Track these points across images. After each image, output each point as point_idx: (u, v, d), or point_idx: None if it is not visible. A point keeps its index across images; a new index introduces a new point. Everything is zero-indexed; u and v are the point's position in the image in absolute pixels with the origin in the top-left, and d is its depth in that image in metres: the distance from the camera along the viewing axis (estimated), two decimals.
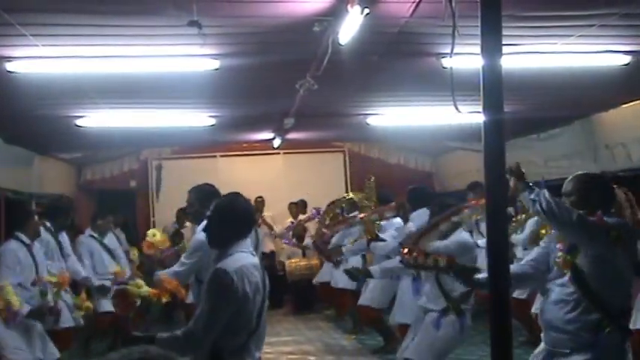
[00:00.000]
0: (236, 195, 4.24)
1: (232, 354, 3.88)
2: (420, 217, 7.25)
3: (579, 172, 4.37)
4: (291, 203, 13.59)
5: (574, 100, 9.04)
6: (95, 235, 9.42)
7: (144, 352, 1.88)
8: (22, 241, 7.05)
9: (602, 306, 3.97)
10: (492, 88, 2.86)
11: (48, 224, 7.98)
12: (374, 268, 7.81)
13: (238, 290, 3.81)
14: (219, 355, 3.87)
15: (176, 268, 5.96)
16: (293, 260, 13.11)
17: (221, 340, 3.87)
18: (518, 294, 8.96)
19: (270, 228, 13.65)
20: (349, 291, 10.48)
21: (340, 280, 10.51)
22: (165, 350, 3.82)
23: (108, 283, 8.78)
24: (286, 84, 7.47)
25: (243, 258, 3.96)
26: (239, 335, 3.89)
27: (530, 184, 4.08)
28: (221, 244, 4.03)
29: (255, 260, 4.10)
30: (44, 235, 7.66)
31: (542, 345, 4.28)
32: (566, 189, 4.30)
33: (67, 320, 7.74)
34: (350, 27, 5.19)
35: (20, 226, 7.20)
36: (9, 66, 6.26)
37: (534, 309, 8.02)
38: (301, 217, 13.21)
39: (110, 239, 9.61)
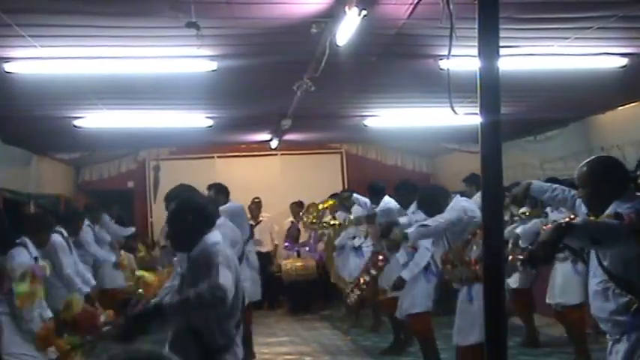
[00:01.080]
0: (188, 193, 4.30)
1: (224, 350, 3.81)
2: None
3: (591, 160, 4.29)
4: (293, 203, 13.61)
5: (570, 103, 9.07)
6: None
7: (134, 352, 1.85)
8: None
9: (628, 287, 3.96)
10: (489, 90, 2.86)
11: None
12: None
13: (231, 267, 3.74)
14: (211, 354, 3.77)
15: None
16: (289, 261, 13.15)
17: (213, 338, 3.78)
18: (520, 284, 8.98)
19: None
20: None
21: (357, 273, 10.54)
22: (178, 317, 3.59)
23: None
24: (284, 85, 7.48)
25: (223, 248, 3.87)
26: (230, 329, 3.83)
27: (563, 224, 3.72)
28: (187, 246, 3.94)
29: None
30: None
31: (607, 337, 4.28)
32: (579, 179, 4.24)
33: None
34: (347, 28, 5.19)
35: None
36: (7, 67, 6.27)
37: (548, 299, 8.11)
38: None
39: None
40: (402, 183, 8.50)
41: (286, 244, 13.40)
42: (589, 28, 5.77)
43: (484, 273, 2.94)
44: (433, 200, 6.36)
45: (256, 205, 13.48)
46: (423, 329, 7.64)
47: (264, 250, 13.14)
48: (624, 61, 6.79)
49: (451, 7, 3.61)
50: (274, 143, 12.99)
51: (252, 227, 13.09)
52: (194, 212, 3.97)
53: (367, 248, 10.56)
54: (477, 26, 2.85)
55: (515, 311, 9.21)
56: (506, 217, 7.50)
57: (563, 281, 7.90)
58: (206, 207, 4.13)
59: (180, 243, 4.03)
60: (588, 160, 4.26)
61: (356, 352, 9.44)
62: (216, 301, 3.51)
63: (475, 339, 5.77)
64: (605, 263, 4.02)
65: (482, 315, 4.84)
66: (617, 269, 3.98)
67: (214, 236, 3.95)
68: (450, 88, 3.48)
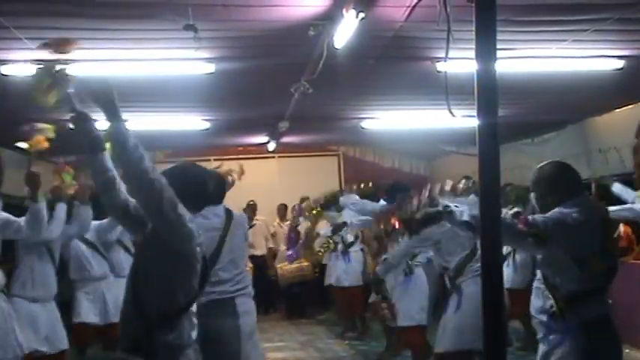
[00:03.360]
0: (189, 164, 3.77)
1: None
2: None
3: (542, 165, 4.37)
4: (281, 205, 13.67)
5: (568, 105, 9.10)
6: None
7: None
8: None
9: (552, 290, 4.07)
10: (487, 92, 2.88)
11: None
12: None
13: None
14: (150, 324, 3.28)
15: None
16: (284, 264, 13.12)
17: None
18: (515, 284, 8.96)
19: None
20: (359, 287, 10.48)
21: (345, 278, 10.56)
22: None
23: None
24: (281, 88, 7.51)
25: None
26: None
27: (446, 207, 4.05)
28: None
29: None
30: None
31: None
32: (531, 183, 4.31)
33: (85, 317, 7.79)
34: (345, 31, 5.23)
35: None
36: (4, 69, 6.31)
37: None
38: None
39: None
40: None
41: (289, 252, 12.26)
42: (586, 30, 5.81)
43: (482, 275, 2.95)
44: None
45: (251, 209, 13.47)
46: (416, 343, 7.62)
47: (258, 253, 13.12)
48: (621, 63, 6.83)
49: (448, 9, 3.62)
50: (271, 146, 13.00)
51: None
52: (191, 186, 3.54)
53: (355, 252, 10.60)
54: (474, 29, 2.86)
55: (511, 315, 9.14)
56: None
57: None
58: (204, 185, 3.67)
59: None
60: (541, 164, 4.32)
61: (353, 357, 9.44)
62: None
63: None
64: (539, 263, 4.20)
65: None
66: (543, 269, 4.12)
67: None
68: (447, 91, 3.49)
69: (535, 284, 4.23)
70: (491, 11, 2.88)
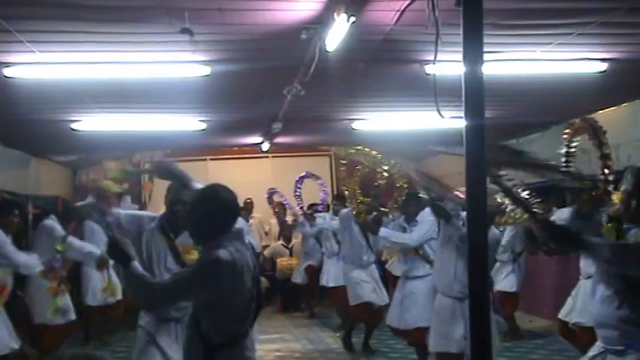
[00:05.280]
0: (217, 186, 4.00)
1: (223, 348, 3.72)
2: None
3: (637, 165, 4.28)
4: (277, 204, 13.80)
5: (552, 106, 9.17)
6: None
7: (77, 355, 1.82)
8: None
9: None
10: (474, 94, 2.95)
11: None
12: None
13: (229, 280, 3.63)
14: (210, 348, 3.71)
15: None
16: (283, 259, 13.29)
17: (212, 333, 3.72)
18: (506, 287, 9.20)
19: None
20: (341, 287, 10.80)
21: (330, 279, 10.91)
22: (127, 280, 3.78)
23: None
24: (274, 90, 7.58)
25: (240, 252, 3.72)
26: (229, 329, 3.76)
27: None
28: (205, 239, 3.78)
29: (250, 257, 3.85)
30: None
31: (597, 343, 4.16)
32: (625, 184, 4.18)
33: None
34: (336, 34, 5.31)
35: None
36: (6, 71, 6.37)
37: (562, 315, 7.63)
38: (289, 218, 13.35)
39: None
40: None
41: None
42: (570, 34, 5.89)
43: (469, 272, 3.04)
44: None
45: (248, 206, 13.60)
46: (418, 342, 7.80)
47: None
48: (604, 66, 6.89)
49: (437, 13, 3.67)
50: (265, 146, 13.08)
51: None
52: (224, 208, 3.83)
53: None
54: (461, 32, 2.98)
55: (503, 314, 9.32)
56: None
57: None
58: (236, 204, 3.94)
59: (198, 235, 3.86)
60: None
61: (345, 350, 9.56)
62: (145, 297, 3.86)
63: None
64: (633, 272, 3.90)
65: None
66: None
67: (231, 237, 3.78)
68: (436, 93, 3.58)
69: (606, 292, 4.00)
70: (478, 15, 2.96)
